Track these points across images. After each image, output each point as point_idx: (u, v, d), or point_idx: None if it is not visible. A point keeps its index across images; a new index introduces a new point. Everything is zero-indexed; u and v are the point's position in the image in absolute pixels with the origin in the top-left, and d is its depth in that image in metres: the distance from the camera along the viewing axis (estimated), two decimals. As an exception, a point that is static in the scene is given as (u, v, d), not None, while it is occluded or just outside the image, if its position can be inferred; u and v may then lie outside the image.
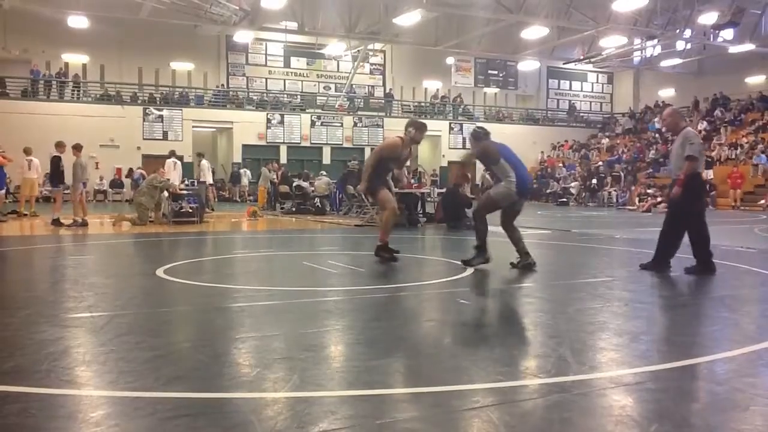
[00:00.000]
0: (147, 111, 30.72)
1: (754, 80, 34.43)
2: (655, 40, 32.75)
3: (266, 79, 35.46)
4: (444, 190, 16.55)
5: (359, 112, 35.30)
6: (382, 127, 34.83)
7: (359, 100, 36.32)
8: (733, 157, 28.93)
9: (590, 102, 43.93)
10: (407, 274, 7.27)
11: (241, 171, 31.27)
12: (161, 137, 30.29)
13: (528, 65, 38.34)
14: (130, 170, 28.38)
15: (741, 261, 8.08)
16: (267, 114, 32.94)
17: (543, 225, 14.86)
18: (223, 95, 33.93)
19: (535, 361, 3.76)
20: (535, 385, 3.26)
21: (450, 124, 36.94)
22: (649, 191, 26.03)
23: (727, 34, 30.07)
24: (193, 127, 31.77)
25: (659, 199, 24.44)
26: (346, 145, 33.99)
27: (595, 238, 12.30)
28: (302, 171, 23.24)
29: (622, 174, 31.04)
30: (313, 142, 33.73)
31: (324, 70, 36.45)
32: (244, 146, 32.51)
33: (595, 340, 4.26)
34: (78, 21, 26.90)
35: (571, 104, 42.62)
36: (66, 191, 14.48)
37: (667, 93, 39.65)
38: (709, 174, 24.65)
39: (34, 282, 6.92)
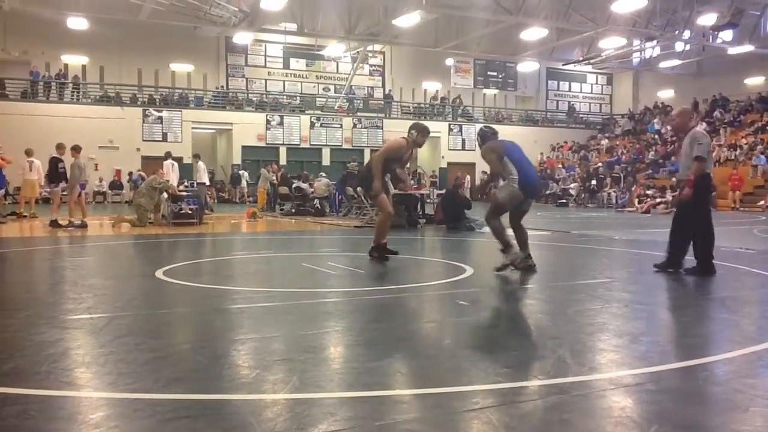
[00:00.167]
0: (146, 112, 30.75)
1: (754, 81, 34.46)
2: (655, 42, 32.83)
3: (266, 80, 35.49)
4: (443, 192, 16.54)
5: (359, 114, 35.33)
6: (382, 129, 34.87)
7: (359, 101, 36.35)
8: (733, 158, 28.94)
9: (589, 103, 43.96)
10: (407, 275, 7.27)
11: (240, 172, 31.28)
12: (161, 139, 30.30)
13: (527, 66, 38.39)
14: (130, 174, 28.41)
15: (741, 262, 8.08)
16: (266, 115, 32.96)
17: (542, 226, 14.86)
18: (222, 96, 33.95)
19: (535, 363, 3.76)
20: (534, 386, 3.25)
21: (449, 125, 36.97)
22: (648, 192, 26.04)
23: (727, 35, 30.13)
24: (193, 128, 31.79)
25: (658, 200, 24.46)
26: (345, 146, 34.02)
27: (595, 239, 12.30)
28: (302, 172, 23.24)
29: (621, 175, 31.05)
30: (312, 143, 33.75)
31: (323, 71, 36.47)
32: (244, 147, 32.54)
33: (594, 342, 4.25)
34: (77, 22, 26.92)
35: (571, 105, 42.65)
36: (63, 192, 14.48)
37: (666, 94, 39.69)
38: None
39: (33, 283, 6.92)
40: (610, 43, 32.52)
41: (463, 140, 36.74)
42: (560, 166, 36.06)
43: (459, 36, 31.47)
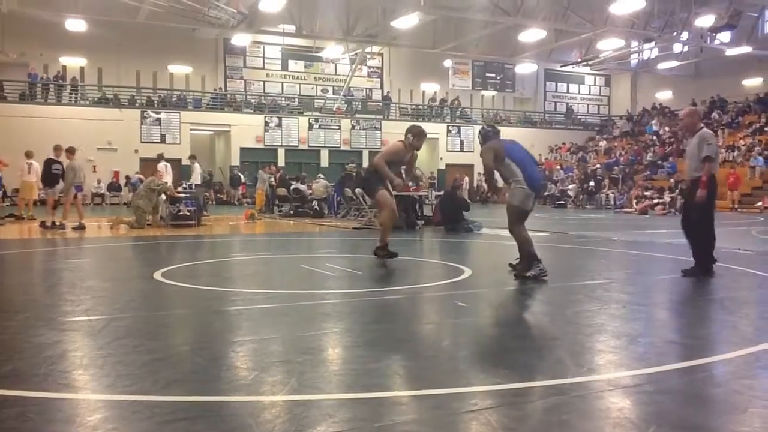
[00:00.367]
0: (145, 114, 30.74)
1: (752, 83, 34.50)
2: (653, 43, 32.87)
3: (264, 82, 35.48)
4: (442, 193, 16.54)
5: (357, 115, 35.33)
6: (380, 130, 34.88)
7: (357, 102, 36.36)
8: (731, 159, 28.98)
9: (588, 105, 44.00)
10: (405, 276, 7.27)
11: (237, 174, 31.32)
12: (159, 140, 30.26)
13: (525, 68, 38.42)
14: (127, 177, 28.41)
15: (739, 263, 8.09)
16: (265, 117, 32.96)
17: (541, 227, 14.86)
18: (220, 98, 33.95)
19: (534, 364, 3.76)
20: (533, 387, 3.26)
21: (448, 126, 36.99)
22: (646, 193, 26.07)
23: (724, 36, 30.18)
24: (191, 130, 31.77)
25: (656, 201, 24.49)
26: (343, 147, 34.02)
27: (593, 240, 12.31)
28: (300, 174, 23.25)
29: (619, 176, 31.08)
30: (310, 145, 33.75)
31: (322, 72, 36.48)
32: (242, 149, 32.54)
33: (593, 343, 4.26)
34: (76, 24, 26.91)
35: (569, 107, 42.68)
36: (61, 194, 14.46)
37: (664, 95, 39.73)
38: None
39: (32, 285, 6.91)
40: (608, 45, 32.56)
41: (462, 142, 36.76)
42: (558, 167, 36.09)
43: (457, 37, 31.49)
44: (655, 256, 9.73)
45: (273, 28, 30.74)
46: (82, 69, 31.86)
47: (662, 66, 35.98)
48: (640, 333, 4.53)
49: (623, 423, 2.77)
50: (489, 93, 40.11)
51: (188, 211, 14.63)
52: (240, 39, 31.63)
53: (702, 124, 7.56)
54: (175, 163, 22.79)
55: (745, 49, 30.85)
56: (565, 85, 43.04)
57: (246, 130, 32.45)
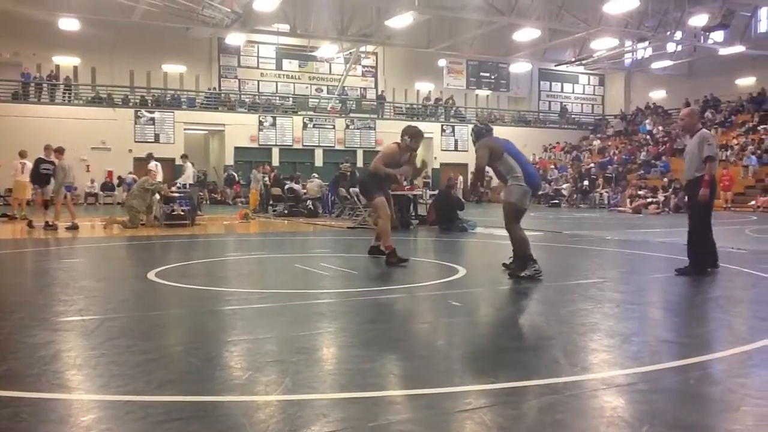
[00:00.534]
0: (138, 113, 30.66)
1: (744, 82, 34.62)
2: (646, 42, 32.94)
3: (258, 81, 35.41)
4: (436, 192, 16.55)
5: (351, 115, 35.32)
6: (375, 130, 34.88)
7: (351, 102, 36.35)
8: (724, 158, 29.07)
9: (582, 104, 44.09)
10: (400, 276, 7.27)
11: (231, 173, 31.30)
12: (153, 140, 30.18)
13: (520, 67, 38.46)
14: (120, 178, 28.36)
15: (732, 262, 8.11)
16: (259, 116, 32.92)
17: (535, 226, 14.88)
18: (215, 98, 33.88)
19: (528, 363, 3.76)
20: (527, 386, 3.26)
21: (442, 126, 37.00)
22: (640, 193, 26.14)
23: (718, 36, 30.28)
24: (185, 129, 31.70)
25: (649, 200, 24.56)
26: (338, 147, 34.01)
27: (587, 239, 12.33)
28: (294, 173, 23.22)
29: (613, 176, 31.16)
30: (305, 144, 33.72)
31: (316, 72, 36.44)
32: (236, 149, 32.48)
33: (586, 342, 4.27)
34: (69, 23, 26.80)
35: (563, 106, 42.76)
36: (52, 194, 14.42)
37: (658, 95, 39.84)
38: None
39: (25, 285, 6.89)
40: (602, 44, 32.62)
41: (456, 141, 36.78)
42: (552, 166, 36.14)
43: (451, 37, 31.51)
44: (648, 255, 9.76)
45: (267, 28, 30.72)
46: (75, 68, 31.74)
47: (656, 65, 36.08)
48: (633, 332, 4.54)
49: (617, 422, 2.78)
50: (483, 92, 40.15)
51: (182, 210, 14.59)
52: (234, 38, 31.56)
53: (701, 125, 7.61)
54: (168, 162, 22.77)
55: (738, 48, 30.96)
56: (559, 84, 43.11)
57: (240, 129, 32.39)
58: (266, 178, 22.28)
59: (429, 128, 34.33)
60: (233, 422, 2.73)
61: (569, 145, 39.23)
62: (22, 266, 8.62)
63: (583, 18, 28.66)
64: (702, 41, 31.26)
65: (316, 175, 22.12)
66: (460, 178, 30.85)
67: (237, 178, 30.59)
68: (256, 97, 34.54)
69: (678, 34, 30.85)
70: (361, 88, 37.77)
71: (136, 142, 29.93)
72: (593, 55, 34.33)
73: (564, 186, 32.36)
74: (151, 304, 5.70)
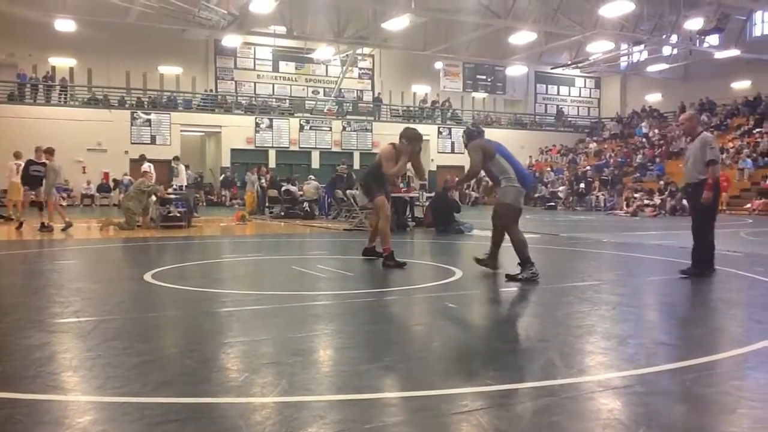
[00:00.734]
0: (135, 115, 30.63)
1: (740, 85, 34.73)
2: (642, 46, 33.03)
3: (255, 83, 35.42)
4: (433, 195, 16.56)
5: (348, 117, 35.34)
6: (371, 132, 34.90)
7: (348, 104, 36.36)
8: (719, 161, 29.12)
9: (578, 107, 44.17)
10: (396, 278, 7.27)
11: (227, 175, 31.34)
12: (149, 141, 30.18)
13: (516, 70, 38.52)
14: (114, 180, 28.32)
15: (727, 264, 8.12)
16: (255, 118, 32.91)
17: (531, 229, 14.89)
18: (211, 99, 33.86)
19: (524, 365, 3.77)
20: (523, 388, 3.26)
21: (438, 128, 37.03)
22: (636, 195, 26.19)
23: (713, 39, 30.34)
24: (182, 131, 31.68)
25: (645, 202, 24.61)
26: (334, 149, 34.01)
27: (583, 242, 12.35)
28: (290, 175, 23.20)
29: (609, 178, 31.21)
30: (301, 146, 33.73)
31: (313, 74, 36.46)
32: (233, 150, 32.47)
33: (583, 344, 4.27)
34: (65, 24, 26.74)
35: (559, 109, 42.83)
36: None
37: (653, 98, 39.93)
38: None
39: (20, 287, 6.86)
40: (598, 47, 32.67)
41: (453, 143, 36.79)
42: (549, 169, 36.22)
43: (448, 39, 31.55)
44: (645, 258, 9.78)
45: (264, 30, 30.70)
46: (71, 69, 31.70)
47: (651, 68, 36.15)
48: (630, 334, 4.55)
49: (613, 424, 2.78)
50: (480, 95, 40.19)
51: (178, 212, 14.58)
52: (230, 40, 31.53)
53: (701, 128, 7.65)
54: (165, 164, 22.72)
55: (734, 52, 31.06)
56: (555, 87, 43.19)
57: (237, 131, 32.38)
58: (262, 180, 22.24)
59: (425, 131, 34.21)
60: (229, 424, 2.73)
61: (565, 148, 39.31)
62: (18, 268, 8.59)
63: (579, 21, 28.71)
64: (697, 45, 31.35)
65: (313, 177, 22.09)
66: (457, 180, 30.83)
67: (235, 180, 30.56)
68: (253, 98, 34.54)
69: (673, 38, 30.95)
70: (357, 90, 37.81)
71: (132, 143, 29.89)
72: (589, 58, 34.38)
73: (560, 188, 32.40)
74: (147, 305, 5.69)
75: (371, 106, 36.96)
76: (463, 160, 32.57)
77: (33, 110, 28.48)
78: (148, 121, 30.75)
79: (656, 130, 36.24)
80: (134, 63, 31.88)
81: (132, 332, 4.45)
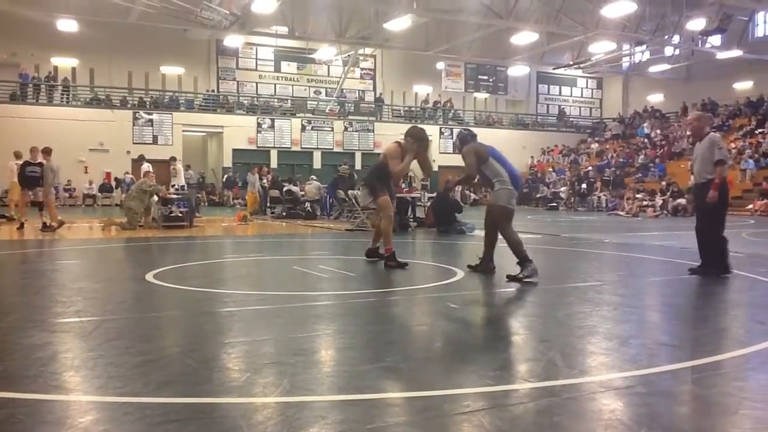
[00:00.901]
0: (137, 115, 30.66)
1: (742, 86, 34.69)
2: (644, 46, 32.99)
3: (257, 83, 35.43)
4: (434, 195, 16.56)
5: (350, 117, 35.34)
6: (373, 132, 34.91)
7: (350, 104, 36.37)
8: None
9: (580, 107, 44.14)
10: (398, 278, 7.27)
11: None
12: (151, 141, 30.22)
13: (518, 70, 38.50)
14: (117, 179, 28.33)
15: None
16: (257, 118, 32.92)
17: (533, 229, 14.90)
18: (213, 99, 33.87)
19: (525, 366, 3.76)
20: (525, 389, 3.26)
21: (440, 128, 37.02)
22: (638, 196, 26.17)
23: (715, 40, 30.32)
24: (183, 131, 31.71)
25: (645, 203, 24.59)
26: (336, 149, 34.02)
27: (585, 242, 12.34)
28: (292, 175, 23.20)
29: (611, 179, 31.18)
30: (303, 146, 33.73)
31: (314, 74, 36.46)
32: (235, 151, 32.48)
33: (584, 344, 4.27)
34: (67, 24, 26.77)
35: (561, 109, 42.81)
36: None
37: (656, 98, 39.90)
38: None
39: (22, 286, 6.87)
40: (600, 48, 32.65)
41: (454, 144, 36.68)
42: (551, 169, 36.20)
43: (450, 40, 31.55)
44: (646, 258, 9.77)
45: (266, 30, 30.71)
46: (73, 69, 31.74)
47: (653, 69, 36.13)
48: (631, 335, 4.54)
49: (615, 425, 2.78)
50: (481, 95, 40.18)
51: (180, 212, 14.59)
52: (232, 40, 31.57)
53: (709, 129, 7.67)
54: (166, 164, 22.70)
55: (736, 52, 31.03)
56: (557, 87, 43.17)
57: (238, 131, 32.40)
58: (264, 180, 22.25)
59: (427, 131, 34.27)
60: (231, 424, 2.73)
61: (567, 148, 39.29)
62: (20, 267, 8.60)
63: (581, 21, 28.70)
64: (699, 45, 31.33)
65: (315, 178, 22.12)
66: (456, 180, 30.81)
67: (237, 181, 30.55)
68: (255, 99, 34.55)
69: (676, 38, 30.92)
70: (359, 90, 37.81)
71: (134, 143, 29.90)
72: (591, 58, 34.36)
73: (562, 189, 32.39)
74: (149, 305, 5.70)
75: (373, 106, 36.96)
76: (465, 160, 32.63)
77: (35, 110, 28.51)
78: (150, 121, 30.78)
79: (658, 131, 36.21)
80: (136, 63, 31.92)
81: (134, 332, 4.45)
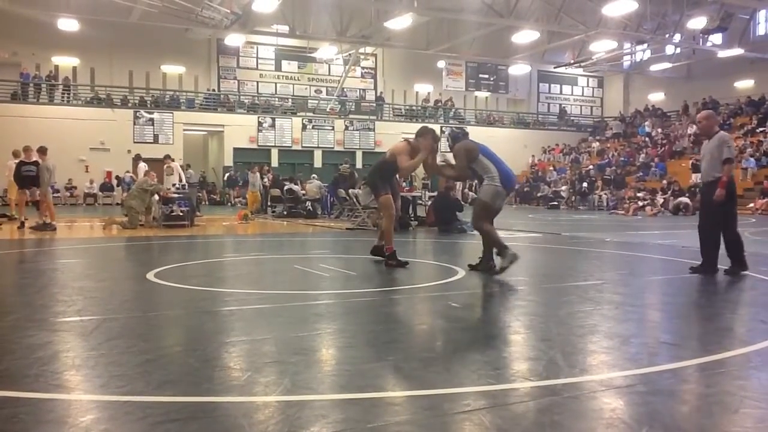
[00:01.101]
0: (138, 114, 30.67)
1: (743, 84, 34.67)
2: (645, 45, 32.98)
3: (257, 82, 35.43)
4: (435, 194, 16.57)
5: (350, 116, 35.33)
6: (374, 131, 34.90)
7: (350, 103, 36.35)
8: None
9: (580, 106, 44.12)
10: (399, 277, 7.27)
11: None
12: (152, 140, 30.23)
13: (519, 69, 38.48)
14: (117, 178, 28.37)
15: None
16: (258, 117, 32.93)
17: (534, 228, 14.90)
18: (214, 98, 33.87)
19: (526, 364, 3.76)
20: (526, 388, 3.26)
21: (441, 127, 36.95)
22: (639, 195, 26.16)
23: (716, 38, 30.31)
24: (184, 130, 31.72)
25: (645, 202, 24.58)
26: (337, 148, 34.02)
27: (586, 241, 12.34)
28: (293, 174, 23.20)
29: (612, 177, 31.17)
30: (304, 145, 33.73)
31: (315, 73, 36.45)
32: (236, 149, 32.50)
33: (585, 343, 4.26)
34: (68, 24, 26.79)
35: (562, 108, 42.79)
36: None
37: (656, 97, 39.88)
38: (698, 177, 24.79)
39: (22, 286, 6.87)
40: (601, 46, 32.66)
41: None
42: (551, 168, 36.19)
43: (450, 39, 31.54)
44: (647, 257, 9.76)
45: (266, 29, 30.73)
46: (74, 69, 31.75)
47: (654, 68, 36.12)
48: (632, 334, 4.54)
49: (616, 423, 2.78)
50: (482, 94, 40.16)
51: (181, 211, 14.59)
52: (233, 39, 31.57)
53: (718, 128, 7.68)
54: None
55: (737, 51, 31.01)
56: (558, 86, 43.15)
57: (239, 130, 32.41)
58: (265, 179, 22.25)
59: (428, 130, 34.33)
60: (232, 423, 2.73)
61: (568, 147, 39.28)
62: (20, 266, 8.61)
63: (582, 20, 28.69)
64: (700, 44, 31.32)
65: (315, 177, 22.12)
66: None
67: (238, 180, 30.56)
68: (255, 98, 34.55)
69: (677, 37, 30.90)
70: (360, 89, 37.80)
71: (135, 142, 29.90)
72: (592, 57, 34.36)
73: (563, 188, 32.37)
74: (150, 304, 5.70)
75: (374, 105, 36.94)
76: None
77: (36, 109, 28.53)
78: (151, 120, 30.79)
79: (659, 129, 36.19)
80: (137, 62, 31.92)
81: (135, 331, 4.45)
